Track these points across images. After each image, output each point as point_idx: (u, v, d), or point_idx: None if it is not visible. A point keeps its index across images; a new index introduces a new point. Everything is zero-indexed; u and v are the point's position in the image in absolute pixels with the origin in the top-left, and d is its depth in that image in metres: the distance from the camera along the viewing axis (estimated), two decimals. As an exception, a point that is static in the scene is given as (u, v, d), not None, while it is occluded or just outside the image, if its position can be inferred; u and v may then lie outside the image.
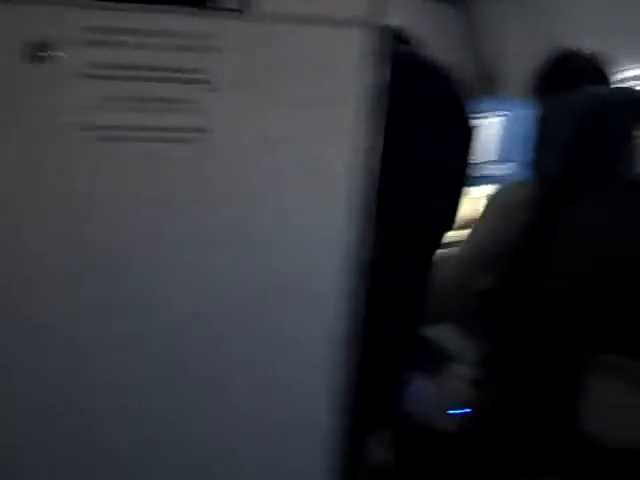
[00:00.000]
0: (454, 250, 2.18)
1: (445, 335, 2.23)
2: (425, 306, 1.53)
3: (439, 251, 2.39)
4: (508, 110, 3.09)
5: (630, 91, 2.45)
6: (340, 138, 1.11)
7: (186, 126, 1.06)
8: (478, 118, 3.11)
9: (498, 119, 3.12)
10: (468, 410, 2.06)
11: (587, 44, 3.46)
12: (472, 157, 1.53)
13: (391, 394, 1.55)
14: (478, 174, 3.14)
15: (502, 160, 3.12)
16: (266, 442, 1.14)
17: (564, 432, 1.84)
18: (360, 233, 1.12)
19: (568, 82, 2.22)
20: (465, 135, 1.48)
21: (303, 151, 1.12)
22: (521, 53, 3.66)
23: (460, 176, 1.50)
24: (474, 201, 2.18)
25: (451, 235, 2.43)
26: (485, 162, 3.16)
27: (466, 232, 2.15)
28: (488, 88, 4.36)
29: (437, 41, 4.72)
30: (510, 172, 3.09)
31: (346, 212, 1.12)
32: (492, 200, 2.13)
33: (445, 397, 2.15)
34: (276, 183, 1.11)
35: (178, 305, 1.09)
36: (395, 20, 1.71)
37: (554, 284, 2.00)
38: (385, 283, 1.41)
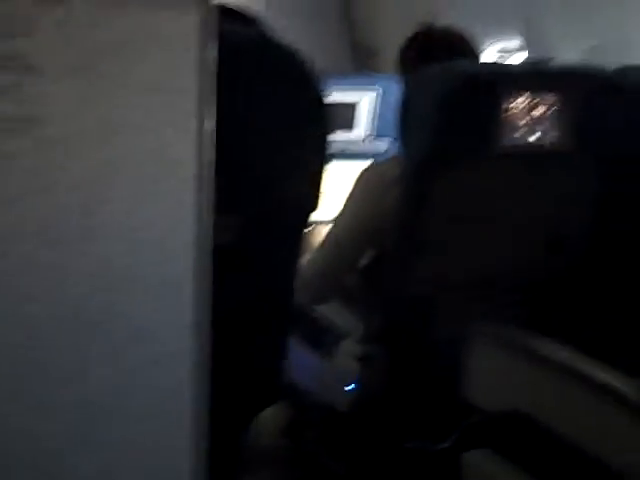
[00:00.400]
0: (331, 228, 2.22)
1: (334, 312, 2.27)
2: (294, 286, 1.55)
3: (316, 230, 2.45)
4: (383, 85, 3.13)
5: (497, 65, 2.52)
6: (178, 122, 1.09)
7: (14, 115, 1.03)
8: (351, 93, 3.18)
9: (374, 94, 3.16)
10: (359, 385, 2.11)
11: (455, 19, 3.55)
12: (328, 135, 1.54)
13: (276, 373, 1.57)
14: (353, 150, 3.21)
15: (377, 136, 3.16)
16: (128, 436, 1.14)
17: (449, 399, 1.91)
18: (208, 218, 1.11)
19: (432, 57, 2.25)
20: (317, 112, 1.49)
21: (141, 137, 1.09)
22: (394, 28, 3.70)
23: (317, 155, 1.51)
24: (349, 178, 2.21)
25: (324, 214, 2.48)
26: (360, 138, 3.21)
27: (340, 210, 2.19)
28: (364, 63, 4.41)
29: (310, 17, 4.77)
30: (385, 148, 3.14)
31: (191, 198, 1.11)
32: (364, 176, 2.16)
33: (337, 374, 2.20)
34: (115, 171, 1.09)
35: (22, 300, 1.07)
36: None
37: (431, 257, 2.06)
38: (253, 267, 1.44)
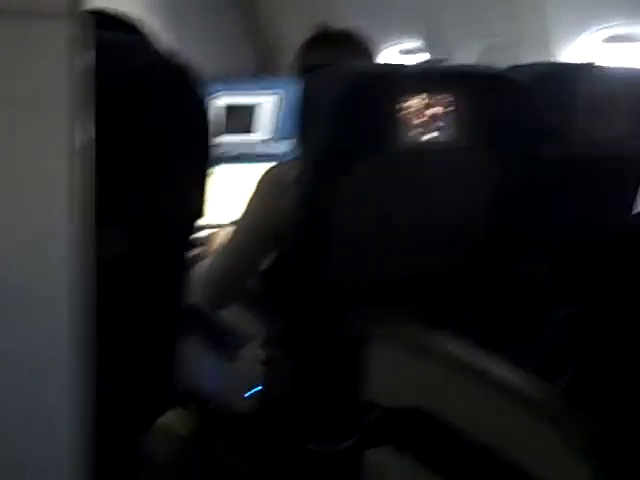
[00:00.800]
0: (232, 231, 2.21)
1: (237, 316, 2.26)
2: (187, 291, 1.54)
3: (217, 233, 2.44)
4: (285, 88, 3.14)
5: (393, 66, 2.54)
6: (52, 136, 1.06)
7: None
8: (253, 96, 3.18)
9: (276, 97, 3.17)
10: (263, 388, 2.11)
11: (355, 20, 3.59)
12: (211, 140, 1.53)
13: (170, 378, 1.57)
14: (253, 153, 3.22)
15: (278, 138, 3.18)
16: (8, 451, 1.11)
17: (351, 399, 1.92)
18: (87, 232, 1.09)
19: (329, 58, 2.26)
20: (198, 119, 1.48)
21: (12, 152, 1.06)
22: (296, 30, 3.72)
23: (201, 161, 1.50)
24: (250, 180, 2.20)
25: (225, 217, 2.48)
26: (261, 140, 3.22)
27: (241, 213, 2.19)
28: (268, 66, 4.43)
29: (213, 21, 4.76)
30: (286, 150, 3.15)
31: (68, 212, 1.09)
32: (264, 179, 2.16)
33: (241, 377, 2.19)
34: None
35: None
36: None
37: (331, 257, 2.07)
38: (144, 276, 1.43)
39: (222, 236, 2.38)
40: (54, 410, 1.09)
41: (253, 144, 3.22)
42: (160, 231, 1.46)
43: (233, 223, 2.23)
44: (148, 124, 1.38)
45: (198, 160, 1.50)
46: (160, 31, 4.31)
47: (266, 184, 2.16)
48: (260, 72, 3.76)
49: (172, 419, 2.52)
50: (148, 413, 1.54)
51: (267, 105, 3.20)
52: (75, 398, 1.10)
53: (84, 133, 1.08)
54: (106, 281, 1.27)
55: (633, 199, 2.48)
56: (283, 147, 3.20)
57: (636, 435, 1.43)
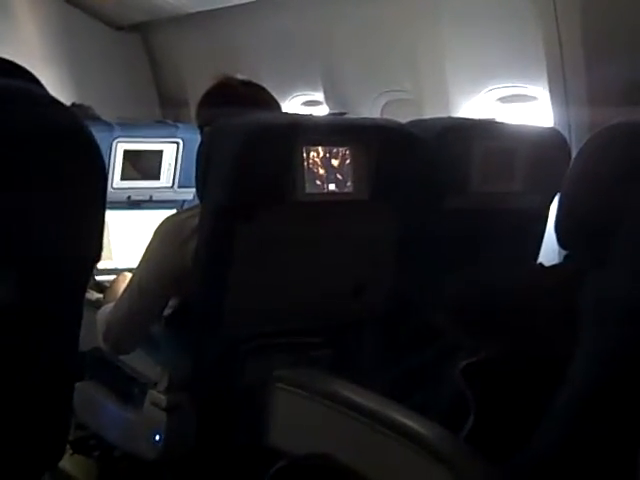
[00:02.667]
0: (134, 276, 2.20)
1: (139, 362, 2.24)
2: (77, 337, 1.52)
3: (120, 278, 2.42)
4: (185, 136, 3.15)
5: (295, 116, 2.58)
6: None
7: None
8: (156, 143, 3.18)
9: (175, 145, 3.18)
10: (166, 435, 2.09)
11: (260, 71, 3.65)
12: (104, 186, 1.52)
13: (61, 428, 1.54)
14: (160, 198, 3.21)
15: (182, 185, 3.18)
16: None
17: (256, 446, 1.92)
18: None
19: (231, 108, 2.27)
20: (90, 164, 1.47)
21: None
22: (197, 81, 3.75)
23: (94, 206, 1.49)
24: (150, 227, 2.20)
25: (128, 261, 2.44)
26: (166, 187, 3.22)
27: (143, 259, 2.18)
28: (170, 113, 4.43)
29: (117, 67, 4.75)
30: (188, 197, 3.17)
31: None
32: (164, 225, 2.17)
33: (144, 424, 2.17)
34: None
35: None
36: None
37: (233, 304, 2.08)
38: (33, 321, 1.41)
39: (124, 281, 2.36)
40: None
41: (153, 190, 3.22)
42: (52, 276, 1.44)
43: (134, 269, 2.22)
44: (36, 168, 1.37)
45: (92, 204, 1.48)
46: (59, 73, 4.30)
47: (166, 231, 2.16)
48: (162, 120, 3.75)
49: (75, 466, 2.47)
50: (41, 462, 1.51)
51: (167, 152, 3.21)
52: None
53: None
54: None
55: (536, 251, 2.58)
56: (183, 195, 3.22)
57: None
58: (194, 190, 2.98)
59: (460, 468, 1.54)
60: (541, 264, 1.89)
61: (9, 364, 1.39)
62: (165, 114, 4.53)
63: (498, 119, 2.60)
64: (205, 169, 2.07)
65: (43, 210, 1.39)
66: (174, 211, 2.80)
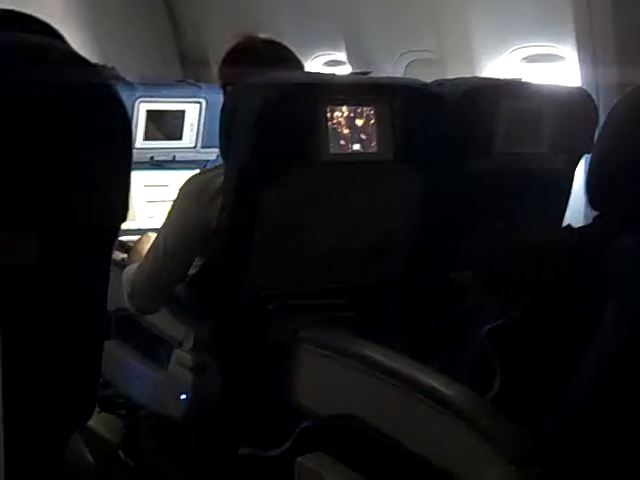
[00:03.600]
0: (158, 236, 2.21)
1: (164, 322, 2.26)
2: (105, 298, 1.53)
3: (144, 238, 2.43)
4: (208, 96, 3.14)
5: (319, 75, 2.56)
6: None
7: None
8: (178, 103, 3.18)
9: (198, 104, 3.17)
10: (193, 394, 2.11)
11: (282, 30, 3.61)
12: (130, 144, 1.52)
13: (90, 386, 1.55)
14: (183, 158, 3.21)
15: (204, 146, 3.18)
16: None
17: (281, 405, 1.94)
18: None
19: (253, 67, 2.26)
20: (115, 125, 1.46)
21: None
22: (219, 39, 3.73)
23: (117, 169, 1.49)
24: (173, 187, 2.20)
25: (152, 222, 2.46)
26: (187, 147, 3.22)
27: (167, 219, 2.19)
28: (194, 74, 4.41)
29: (138, 26, 4.72)
30: (211, 157, 3.16)
31: None
32: (189, 185, 2.17)
33: (171, 384, 2.19)
34: None
35: None
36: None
37: (258, 265, 2.08)
38: (58, 282, 1.41)
39: (147, 242, 2.37)
40: None
41: (176, 151, 3.21)
42: (78, 237, 1.44)
43: (158, 229, 2.23)
44: (63, 125, 1.36)
45: (118, 163, 1.48)
46: (79, 34, 4.29)
47: (191, 191, 2.16)
48: (185, 79, 3.73)
49: (102, 425, 2.50)
50: (71, 421, 1.53)
51: (190, 112, 3.20)
52: None
53: None
54: (21, 288, 1.26)
55: (562, 213, 2.56)
56: (206, 155, 3.21)
57: (562, 441, 1.48)
58: (217, 150, 3.00)
59: (487, 429, 1.55)
60: (569, 225, 1.88)
61: (38, 324, 1.40)
62: (186, 73, 4.51)
63: (524, 79, 2.57)
64: (228, 129, 2.06)
65: (68, 170, 1.38)
66: (197, 171, 2.80)
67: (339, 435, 1.83)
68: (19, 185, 1.28)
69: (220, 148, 2.13)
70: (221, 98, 2.25)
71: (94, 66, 1.44)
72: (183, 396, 2.13)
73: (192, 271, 2.18)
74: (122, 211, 1.48)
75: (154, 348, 2.32)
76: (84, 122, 1.39)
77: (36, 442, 1.43)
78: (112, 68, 3.24)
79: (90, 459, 1.59)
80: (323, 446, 1.85)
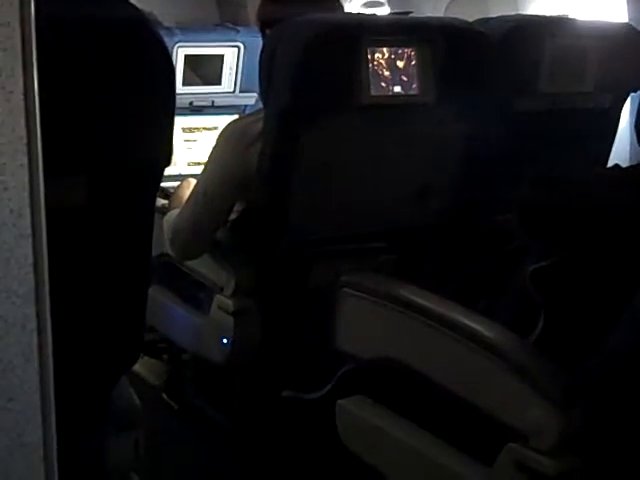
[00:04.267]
0: (199, 182, 2.21)
1: (205, 267, 2.26)
2: (150, 242, 1.53)
3: (184, 184, 2.43)
4: (246, 39, 3.11)
5: (360, 17, 2.52)
6: None
7: None
8: (216, 47, 3.15)
9: (236, 49, 3.14)
10: (234, 338, 2.12)
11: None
12: (174, 89, 1.51)
13: (136, 330, 1.56)
14: (222, 103, 3.19)
15: (244, 90, 3.15)
16: None
17: (323, 349, 1.94)
18: (38, 181, 1.06)
19: (292, 9, 2.23)
20: (159, 68, 1.46)
21: None
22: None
23: (163, 109, 1.48)
24: (212, 132, 2.20)
25: (193, 168, 2.47)
26: (225, 92, 3.19)
27: (208, 165, 2.18)
28: (231, 16, 4.37)
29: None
30: (250, 102, 3.14)
31: (17, 160, 1.05)
32: (229, 130, 2.15)
33: (212, 328, 2.20)
34: None
35: None
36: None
37: (298, 210, 2.08)
38: (106, 225, 1.42)
39: (188, 187, 2.37)
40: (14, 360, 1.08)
41: (214, 96, 3.19)
42: (123, 181, 1.44)
43: (199, 175, 2.22)
44: (109, 71, 1.36)
45: (162, 108, 1.47)
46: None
47: (231, 136, 2.14)
48: (223, 23, 3.69)
49: (145, 369, 2.54)
50: (119, 364, 1.55)
51: (228, 57, 3.17)
52: (33, 356, 1.08)
53: (30, 81, 1.05)
54: (68, 232, 1.26)
55: (607, 153, 2.51)
56: (245, 99, 3.19)
57: (605, 383, 1.47)
58: (256, 94, 2.99)
59: (529, 371, 1.54)
60: (617, 165, 1.84)
61: (87, 267, 1.41)
62: (223, 16, 4.46)
63: (570, 15, 2.51)
64: (268, 72, 2.03)
65: (113, 113, 1.38)
66: (236, 116, 2.78)
67: (380, 378, 1.83)
68: (68, 128, 1.28)
69: (260, 92, 2.12)
70: (260, 41, 2.23)
71: (135, 7, 1.43)
72: (225, 340, 2.14)
73: (233, 216, 2.18)
74: (167, 154, 1.48)
75: (195, 293, 2.33)
76: (130, 66, 1.38)
77: (86, 384, 1.45)
78: (150, 13, 3.21)
79: (137, 401, 1.61)
80: (364, 389, 1.86)
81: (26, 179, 1.04)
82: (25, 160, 1.04)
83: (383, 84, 2.07)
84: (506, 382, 1.56)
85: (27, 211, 1.04)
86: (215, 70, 3.20)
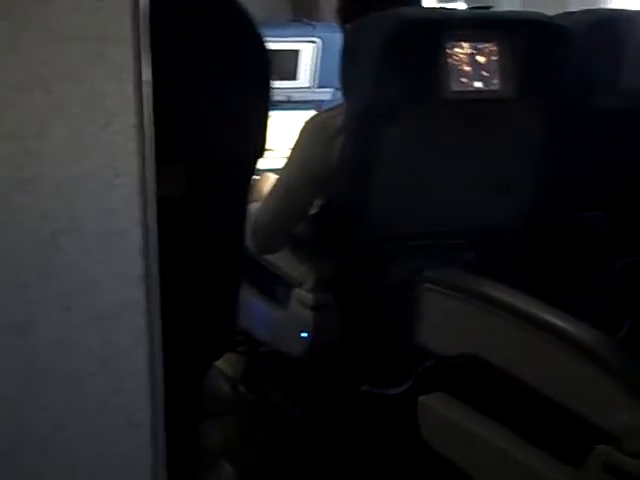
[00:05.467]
0: (280, 177, 2.22)
1: (285, 261, 2.28)
2: (243, 234, 1.55)
3: (265, 178, 2.45)
4: (323, 35, 3.11)
5: (440, 11, 2.50)
6: (112, 71, 1.06)
7: None
8: (292, 43, 3.16)
9: (314, 44, 3.15)
10: (313, 332, 2.13)
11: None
12: (270, 81, 1.52)
13: (228, 322, 1.59)
14: (297, 99, 3.20)
15: (321, 85, 3.16)
16: (80, 389, 1.11)
17: (403, 345, 1.94)
18: (150, 168, 1.08)
19: (371, 4, 2.23)
20: (258, 58, 1.47)
21: (75, 87, 1.05)
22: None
23: (260, 102, 1.50)
24: (293, 127, 2.21)
25: (273, 162, 2.48)
26: (304, 87, 3.20)
27: (288, 158, 2.19)
28: (304, 13, 4.38)
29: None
30: (329, 97, 3.14)
31: (132, 147, 1.07)
32: (310, 125, 2.17)
33: (291, 322, 2.21)
34: (52, 121, 1.04)
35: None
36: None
37: (379, 205, 2.07)
38: (200, 216, 1.44)
39: (267, 181, 2.39)
40: (124, 351, 1.10)
41: (291, 91, 3.20)
42: (219, 171, 1.46)
43: (278, 169, 2.24)
44: (209, 63, 1.37)
45: (258, 101, 1.49)
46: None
47: (312, 131, 2.16)
48: (299, 18, 3.71)
49: (223, 361, 2.56)
50: (212, 352, 1.57)
51: (305, 52, 3.18)
52: (143, 339, 1.10)
53: (144, 70, 1.07)
54: (167, 222, 1.28)
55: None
56: (322, 95, 3.19)
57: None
58: (332, 90, 2.99)
59: (615, 369, 1.51)
60: None
61: (182, 260, 1.43)
62: (296, 12, 4.47)
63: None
64: (349, 68, 2.04)
65: (211, 103, 1.40)
66: (313, 112, 2.79)
67: (462, 375, 1.82)
68: (169, 118, 1.30)
69: (340, 87, 2.12)
70: (336, 37, 2.23)
71: (241, 5, 1.45)
72: (303, 334, 2.15)
73: (313, 211, 2.19)
74: (260, 146, 1.49)
75: (274, 287, 2.35)
76: (231, 58, 1.40)
77: (181, 370, 1.47)
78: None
79: (227, 389, 1.63)
80: (445, 386, 1.85)
81: (137, 167, 1.06)
82: (136, 148, 1.06)
83: (464, 79, 2.06)
84: (590, 380, 1.54)
85: (138, 198, 1.06)
86: (290, 65, 3.21)
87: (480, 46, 2.06)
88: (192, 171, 1.41)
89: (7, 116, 1.03)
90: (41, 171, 1.05)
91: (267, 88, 1.50)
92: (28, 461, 1.10)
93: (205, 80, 1.40)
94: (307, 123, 2.18)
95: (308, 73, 3.18)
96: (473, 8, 3.16)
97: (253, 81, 1.47)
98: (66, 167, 1.06)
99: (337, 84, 2.16)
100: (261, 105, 1.50)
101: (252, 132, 1.49)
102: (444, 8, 3.29)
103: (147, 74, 1.08)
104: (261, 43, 1.45)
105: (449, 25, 2.05)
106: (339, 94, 2.20)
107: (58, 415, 1.10)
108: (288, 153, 2.23)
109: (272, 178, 2.30)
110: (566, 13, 2.35)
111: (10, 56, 1.02)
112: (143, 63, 1.07)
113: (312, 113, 2.46)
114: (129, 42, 1.06)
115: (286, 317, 2.24)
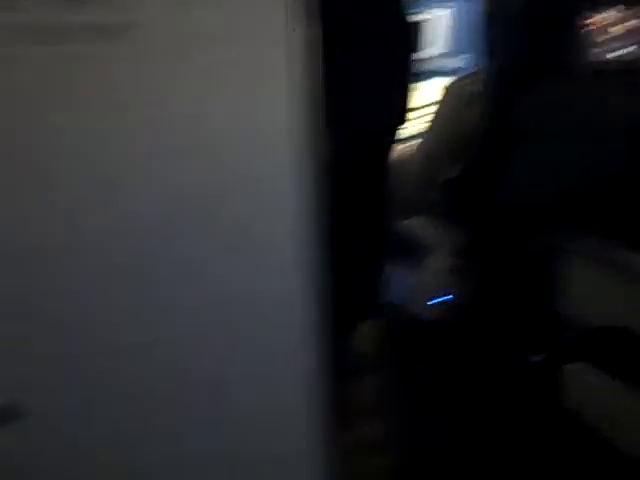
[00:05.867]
0: (415, 144, 2.23)
1: (420, 227, 2.28)
2: (390, 199, 1.56)
3: (406, 146, 2.45)
4: (456, 3, 3.09)
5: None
6: (277, 36, 1.04)
7: (110, 22, 0.96)
8: (423, 11, 3.14)
9: (448, 11, 3.13)
10: (449, 297, 2.13)
11: None
12: (415, 51, 1.53)
13: (372, 288, 1.61)
14: (431, 67, 3.19)
15: (454, 52, 3.14)
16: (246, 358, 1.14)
17: (541, 313, 1.92)
18: (314, 136, 1.08)
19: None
20: (403, 30, 1.48)
21: (239, 46, 1.03)
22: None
23: (405, 71, 1.51)
24: (429, 94, 2.21)
25: (409, 129, 2.49)
26: (437, 55, 3.18)
27: (425, 125, 2.20)
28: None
29: None
30: (463, 64, 3.12)
31: (293, 113, 1.07)
32: (447, 92, 2.17)
33: (426, 287, 2.22)
34: (214, 81, 1.03)
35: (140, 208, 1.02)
36: None
37: (517, 172, 2.06)
38: (348, 186, 1.46)
39: (403, 149, 2.40)
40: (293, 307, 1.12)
41: (431, 59, 3.19)
42: (363, 137, 1.48)
43: (420, 135, 2.25)
44: (357, 36, 1.39)
45: (402, 72, 1.50)
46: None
47: (450, 97, 2.17)
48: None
49: (366, 326, 2.59)
50: (357, 318, 1.60)
51: (438, 20, 3.16)
52: (312, 298, 1.12)
53: (309, 32, 1.06)
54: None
55: None
56: (454, 62, 3.17)
57: None
58: (465, 57, 2.97)
59: None
60: None
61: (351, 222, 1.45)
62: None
63: None
64: (486, 34, 2.03)
65: (354, 72, 1.42)
66: (447, 79, 2.77)
67: (605, 346, 1.80)
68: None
69: (476, 53, 2.11)
70: (468, 5, 2.22)
71: None
72: (440, 299, 2.16)
73: (449, 176, 2.19)
74: (402, 112, 1.50)
75: (409, 252, 2.36)
76: (374, 28, 1.41)
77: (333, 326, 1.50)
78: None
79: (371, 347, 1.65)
80: (586, 356, 1.83)
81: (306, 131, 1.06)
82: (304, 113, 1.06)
83: (609, 47, 2.02)
84: None
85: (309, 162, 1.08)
86: (427, 34, 3.20)
87: (629, 10, 2.01)
88: (337, 138, 1.42)
89: (169, 77, 1.00)
90: (209, 128, 1.04)
91: (409, 57, 1.51)
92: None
93: (352, 51, 1.41)
94: (445, 89, 2.19)
95: (440, 41, 3.16)
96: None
97: (395, 51, 1.48)
98: (233, 123, 1.05)
99: (469, 51, 2.15)
100: (403, 73, 1.51)
101: (395, 100, 1.50)
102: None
103: (314, 35, 1.09)
104: (406, 16, 1.46)
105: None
106: (472, 61, 2.19)
107: (222, 371, 1.12)
108: (426, 121, 2.23)
109: (413, 144, 2.31)
110: None
111: (175, 13, 1.01)
112: (310, 24, 1.07)
113: (448, 79, 2.45)
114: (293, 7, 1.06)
115: (422, 281, 2.25)
